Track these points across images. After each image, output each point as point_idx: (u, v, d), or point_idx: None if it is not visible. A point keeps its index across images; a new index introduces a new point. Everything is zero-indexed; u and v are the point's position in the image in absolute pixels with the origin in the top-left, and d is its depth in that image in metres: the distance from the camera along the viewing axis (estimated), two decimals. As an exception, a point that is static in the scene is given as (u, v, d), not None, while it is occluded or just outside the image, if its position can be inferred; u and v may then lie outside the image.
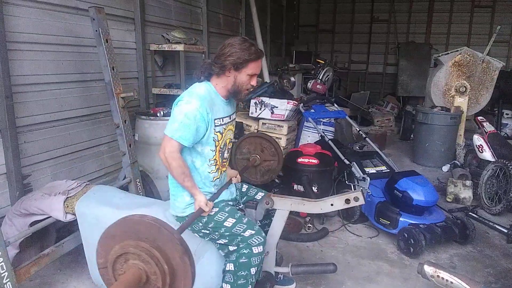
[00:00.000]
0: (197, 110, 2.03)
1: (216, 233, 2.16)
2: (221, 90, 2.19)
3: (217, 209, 2.20)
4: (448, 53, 6.16)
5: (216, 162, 2.24)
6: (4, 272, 2.12)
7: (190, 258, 1.56)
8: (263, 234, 2.16)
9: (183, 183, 2.11)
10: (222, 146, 2.24)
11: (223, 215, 2.16)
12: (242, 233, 2.11)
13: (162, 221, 1.59)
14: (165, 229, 1.55)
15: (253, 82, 2.19)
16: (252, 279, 2.13)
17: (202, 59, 4.82)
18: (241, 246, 2.10)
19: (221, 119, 2.19)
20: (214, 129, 2.15)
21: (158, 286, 1.55)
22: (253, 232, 2.12)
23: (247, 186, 2.57)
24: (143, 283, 1.55)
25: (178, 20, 5.01)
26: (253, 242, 2.09)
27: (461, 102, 5.82)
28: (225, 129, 2.24)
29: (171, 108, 2.16)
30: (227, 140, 2.30)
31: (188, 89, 2.17)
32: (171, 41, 4.51)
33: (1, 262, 2.11)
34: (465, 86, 5.81)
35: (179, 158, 2.08)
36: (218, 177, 2.29)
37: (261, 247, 2.11)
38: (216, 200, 2.25)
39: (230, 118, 2.29)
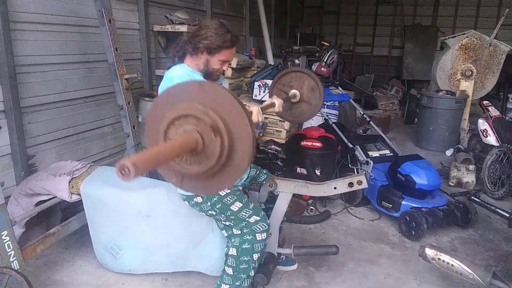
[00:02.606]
0: None
1: (222, 215, 2.18)
2: (195, 68, 2.18)
3: (229, 190, 2.20)
4: (455, 36, 6.07)
5: None
6: (10, 251, 2.15)
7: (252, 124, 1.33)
8: (268, 221, 2.18)
9: None
10: None
11: (232, 198, 2.18)
12: (247, 219, 2.13)
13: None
14: (233, 97, 1.33)
15: (225, 67, 2.18)
16: (255, 264, 2.17)
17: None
18: (245, 231, 2.13)
19: None
20: None
21: (213, 155, 1.30)
22: (258, 218, 2.13)
23: (257, 171, 2.56)
24: (200, 150, 1.31)
25: (181, 1, 4.96)
26: (257, 229, 2.11)
27: (466, 86, 5.77)
28: None
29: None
30: None
31: (165, 75, 2.16)
32: (174, 22, 4.46)
33: (8, 241, 2.14)
34: (471, 70, 5.75)
35: None
36: None
37: (265, 234, 2.14)
38: None
39: None
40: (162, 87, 2.10)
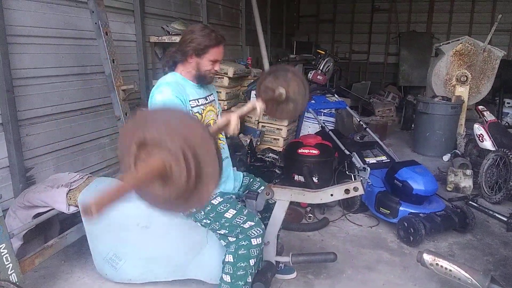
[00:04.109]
0: (172, 95, 2.07)
1: (217, 223, 2.19)
2: (187, 76, 2.23)
3: (222, 199, 2.23)
4: (449, 43, 6.13)
5: None
6: (8, 264, 2.15)
7: (220, 161, 1.42)
8: (262, 226, 2.19)
9: None
10: None
11: (226, 206, 2.20)
12: (241, 225, 2.13)
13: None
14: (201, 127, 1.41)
15: (216, 67, 2.22)
16: (252, 270, 2.17)
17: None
18: (240, 237, 2.13)
19: (196, 101, 2.24)
20: (192, 110, 2.20)
21: (178, 182, 1.38)
22: (252, 223, 2.14)
23: (250, 179, 2.58)
24: (167, 177, 1.38)
25: (178, 12, 5.00)
26: (252, 234, 2.12)
27: (462, 91, 5.81)
28: (203, 109, 2.27)
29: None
30: (211, 121, 2.32)
31: (155, 85, 2.21)
32: (171, 33, 4.50)
33: (6, 253, 2.14)
34: (466, 76, 5.79)
35: None
36: None
37: (260, 238, 2.14)
38: (222, 190, 2.30)
39: (206, 100, 2.32)
40: (152, 94, 2.15)
